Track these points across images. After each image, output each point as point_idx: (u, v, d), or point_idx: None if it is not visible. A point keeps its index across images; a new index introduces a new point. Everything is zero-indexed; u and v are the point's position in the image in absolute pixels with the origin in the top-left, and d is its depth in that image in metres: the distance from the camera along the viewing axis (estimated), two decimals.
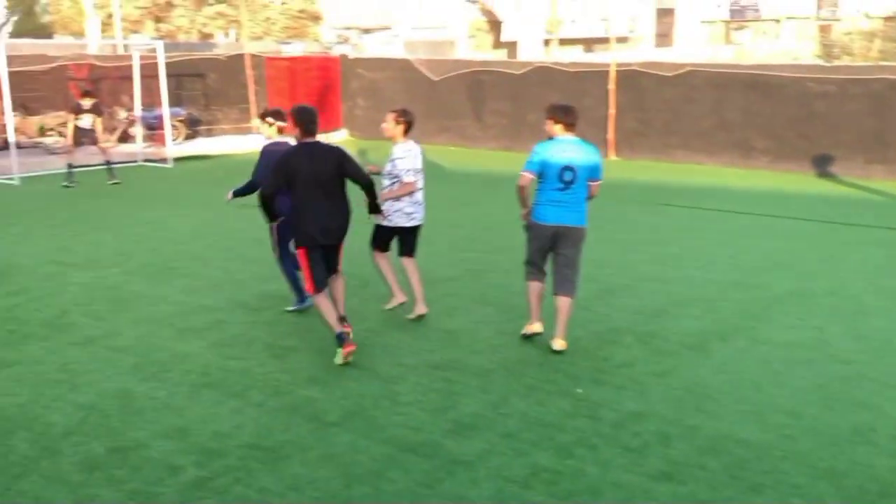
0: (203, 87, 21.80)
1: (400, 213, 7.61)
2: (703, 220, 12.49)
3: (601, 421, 5.69)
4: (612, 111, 18.77)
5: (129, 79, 18.29)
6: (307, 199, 6.67)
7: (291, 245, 7.28)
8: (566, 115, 7.01)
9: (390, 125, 7.76)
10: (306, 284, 6.91)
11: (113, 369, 6.57)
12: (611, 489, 4.81)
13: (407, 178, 7.51)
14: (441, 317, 7.87)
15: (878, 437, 5.48)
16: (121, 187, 15.04)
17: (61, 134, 18.28)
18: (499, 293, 8.63)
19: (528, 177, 6.89)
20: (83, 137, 15.36)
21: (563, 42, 44.77)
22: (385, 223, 7.61)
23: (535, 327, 7.15)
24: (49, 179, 15.73)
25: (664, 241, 11.03)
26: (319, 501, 4.68)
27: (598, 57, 21.69)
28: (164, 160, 17.91)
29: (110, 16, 33.96)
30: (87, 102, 15.22)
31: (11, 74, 15.77)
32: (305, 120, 6.94)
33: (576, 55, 22.74)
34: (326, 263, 6.87)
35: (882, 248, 10.68)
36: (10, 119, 16.05)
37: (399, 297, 7.90)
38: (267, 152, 8.12)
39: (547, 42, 44.04)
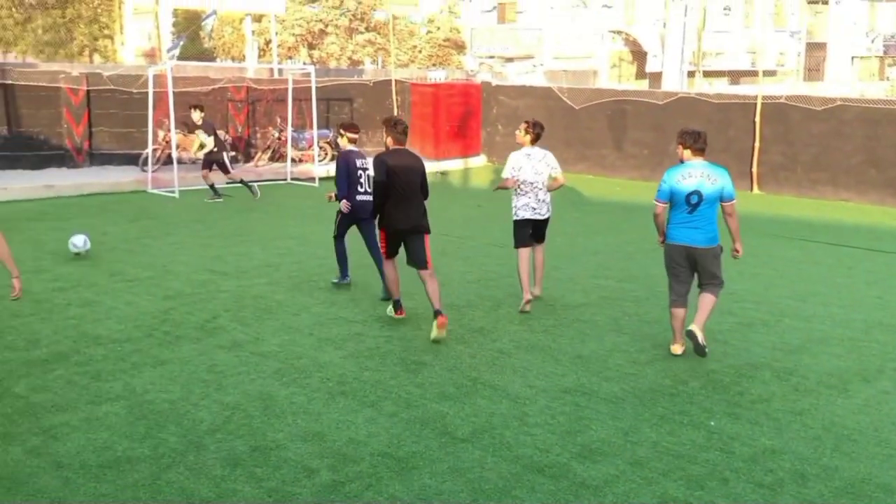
0: (350, 110, 22.49)
1: (526, 208, 8.80)
2: (850, 259, 11.96)
3: (734, 455, 5.54)
4: (756, 144, 18.25)
5: (283, 101, 19.08)
6: (394, 194, 7.82)
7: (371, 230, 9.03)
8: (695, 141, 7.28)
9: (521, 133, 8.77)
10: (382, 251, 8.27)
11: (257, 373, 6.85)
12: None
13: (505, 174, 8.82)
14: (573, 342, 7.84)
15: None
16: (269, 203, 15.65)
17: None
18: (632, 322, 8.52)
19: (661, 206, 7.37)
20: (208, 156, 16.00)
21: (708, 74, 43.86)
22: (513, 217, 8.88)
23: (677, 349, 7.45)
24: (205, 193, 16.54)
25: (806, 278, 10.64)
26: None
27: (743, 89, 21.14)
28: (311, 179, 18.55)
29: (268, 42, 35.52)
30: (196, 115, 15.86)
31: (176, 94, 16.74)
32: (399, 129, 8.00)
33: (721, 87, 22.28)
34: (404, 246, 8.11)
35: None
36: (174, 136, 16.98)
37: (527, 295, 8.69)
38: (338, 159, 9.43)
39: (691, 73, 43.28)
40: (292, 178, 18.78)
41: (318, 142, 19.69)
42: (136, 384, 6.54)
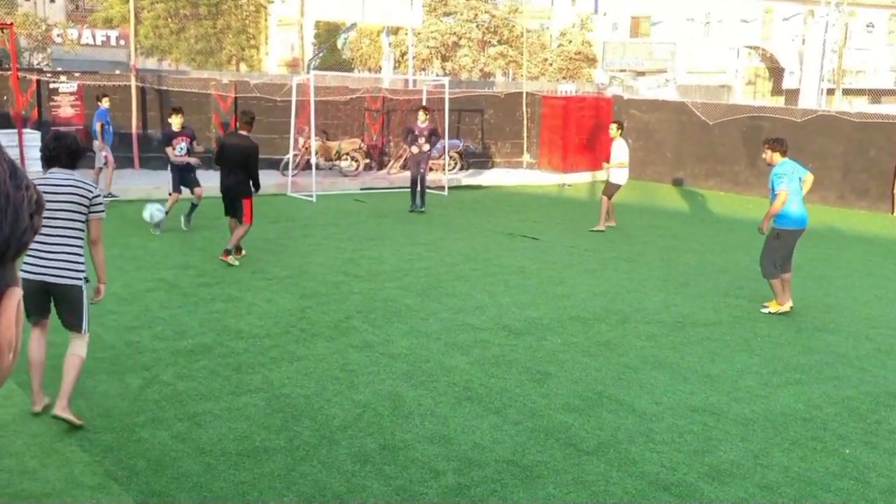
0: (481, 121, 22.60)
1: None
2: None
3: (870, 486, 5.27)
4: None
5: (417, 111, 19.36)
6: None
7: None
8: (782, 145, 9.20)
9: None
10: None
11: (387, 373, 6.96)
12: None
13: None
14: (702, 360, 7.63)
15: None
16: (401, 208, 15.88)
17: (354, 159, 19.64)
18: (764, 343, 8.23)
19: (787, 190, 8.95)
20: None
21: (848, 92, 42.01)
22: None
23: (787, 305, 9.23)
24: (340, 198, 16.95)
25: None
26: None
27: (886, 108, 20.11)
28: (441, 188, 18.74)
29: (403, 54, 36.12)
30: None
31: (317, 103, 17.22)
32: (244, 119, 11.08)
33: (861, 106, 21.26)
34: None
35: None
36: (314, 143, 17.48)
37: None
38: None
39: (830, 91, 41.56)
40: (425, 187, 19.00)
41: (449, 151, 19.88)
42: (273, 378, 6.75)
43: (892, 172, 17.50)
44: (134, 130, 18.60)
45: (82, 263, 5.60)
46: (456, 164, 20.93)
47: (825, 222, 16.11)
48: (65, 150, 5.60)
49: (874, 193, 17.93)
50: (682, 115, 21.21)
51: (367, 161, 20.24)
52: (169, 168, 13.02)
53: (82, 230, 5.62)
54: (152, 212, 12.21)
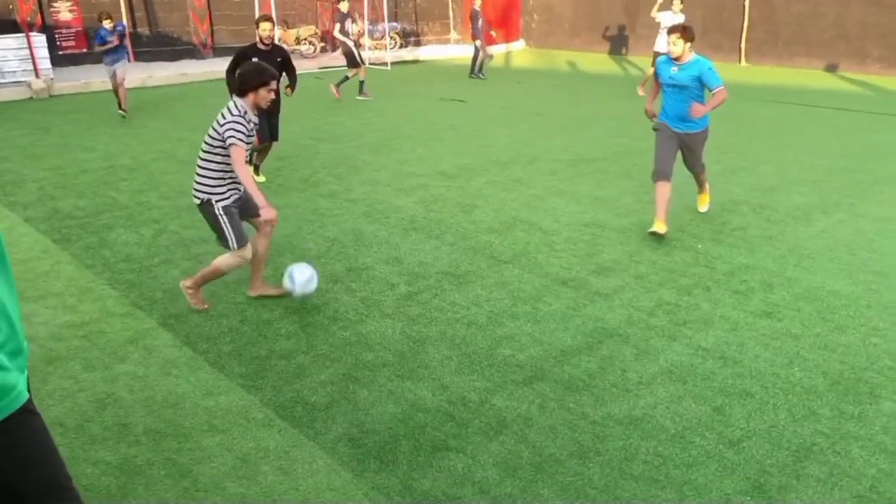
0: (414, 5, 21.64)
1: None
2: (820, 117, 11.44)
3: (716, 270, 5.55)
4: (745, 23, 17.19)
5: (360, 0, 18.43)
6: None
7: None
8: (693, 35, 6.15)
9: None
10: None
11: (349, 214, 6.96)
12: (719, 321, 4.74)
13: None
14: (592, 187, 7.76)
15: None
16: (353, 82, 15.37)
17: (311, 44, 18.79)
18: (640, 171, 8.37)
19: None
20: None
21: None
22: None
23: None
24: (302, 77, 16.30)
25: (782, 133, 10.24)
26: (493, 313, 4.88)
27: None
28: (384, 64, 18.14)
29: None
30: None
31: None
32: None
33: None
34: None
35: None
36: (277, 31, 16.63)
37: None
38: None
39: None
40: (369, 63, 18.37)
41: (389, 32, 19.11)
42: None
43: (739, 30, 17.35)
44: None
45: (208, 183, 4.60)
46: (396, 43, 20.18)
47: None
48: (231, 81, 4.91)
49: (727, 48, 17.83)
50: None
51: (323, 45, 19.41)
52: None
53: (211, 153, 4.56)
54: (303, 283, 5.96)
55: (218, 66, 16.99)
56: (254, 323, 4.77)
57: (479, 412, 3.74)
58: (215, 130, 4.55)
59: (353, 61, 13.43)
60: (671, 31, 6.03)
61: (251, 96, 4.59)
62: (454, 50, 21.05)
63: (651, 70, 12.52)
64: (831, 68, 16.21)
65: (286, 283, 4.87)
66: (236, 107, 4.59)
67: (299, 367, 4.22)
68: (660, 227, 6.06)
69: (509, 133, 10.49)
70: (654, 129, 6.28)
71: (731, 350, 4.35)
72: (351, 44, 13.37)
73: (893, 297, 5.04)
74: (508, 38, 21.72)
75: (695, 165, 6.46)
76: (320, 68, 17.68)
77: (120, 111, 11.72)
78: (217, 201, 4.64)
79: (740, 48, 17.41)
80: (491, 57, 20.32)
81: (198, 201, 4.68)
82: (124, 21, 17.25)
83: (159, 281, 5.44)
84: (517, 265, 5.70)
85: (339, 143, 9.94)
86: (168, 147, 9.69)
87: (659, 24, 12.72)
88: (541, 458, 3.40)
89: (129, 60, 11.39)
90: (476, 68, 16.14)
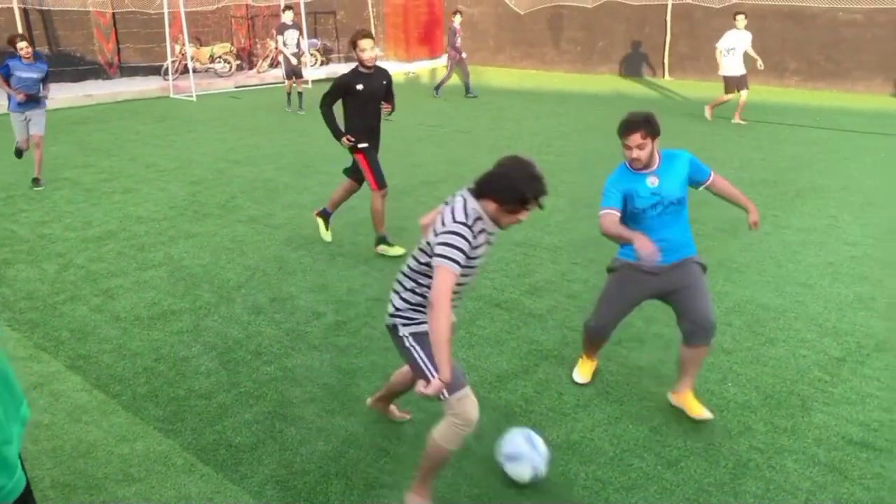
0: (334, 21, 21.64)
1: None
2: (742, 129, 11.97)
3: None
4: (667, 39, 17.90)
5: (277, 16, 18.30)
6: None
7: None
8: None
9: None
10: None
11: (271, 241, 6.86)
12: (653, 338, 4.87)
13: None
14: None
15: (877, 304, 5.35)
16: (272, 101, 15.24)
17: (227, 62, 18.53)
18: (568, 187, 8.56)
19: None
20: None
21: None
22: None
23: None
24: (218, 97, 16.07)
25: (709, 146, 10.66)
26: None
27: None
28: (305, 81, 18.02)
29: None
30: (287, 16, 13.44)
31: (187, 13, 15.99)
32: None
33: None
34: None
35: (892, 152, 10.10)
36: (189, 49, 16.34)
37: None
38: None
39: None
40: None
41: (309, 49, 19.03)
42: (173, 253, 6.54)
43: (662, 45, 18.04)
44: None
45: (402, 306, 3.19)
46: (317, 60, 20.11)
47: (615, 89, 16.59)
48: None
49: (651, 63, 18.50)
50: (499, 7, 20.95)
51: (239, 62, 19.17)
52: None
53: (415, 269, 3.15)
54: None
55: (125, 87, 16.58)
56: (170, 361, 4.62)
57: (415, 445, 3.72)
58: (429, 242, 3.06)
59: (291, 73, 13.86)
60: (629, 129, 3.93)
61: (495, 206, 3.00)
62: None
63: (726, 96, 12.03)
64: (752, 83, 16.98)
65: (520, 446, 3.38)
66: (464, 210, 3.00)
67: (221, 406, 4.11)
68: (585, 372, 4.34)
69: (439, 152, 10.57)
70: (610, 271, 4.11)
71: (666, 368, 4.47)
72: (289, 55, 13.71)
73: (819, 307, 5.29)
74: (433, 55, 21.97)
75: (707, 315, 3.84)
76: (237, 87, 17.46)
77: (36, 184, 8.63)
78: (406, 328, 3.20)
79: (664, 63, 18.09)
80: (412, 73, 20.48)
81: (387, 323, 3.26)
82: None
83: (65, 319, 5.22)
84: None
85: (257, 165, 9.80)
86: (72, 174, 9.35)
87: (726, 50, 11.79)
88: (479, 490, 3.40)
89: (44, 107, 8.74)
90: (466, 88, 15.98)
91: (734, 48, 11.80)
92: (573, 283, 5.78)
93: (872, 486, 3.37)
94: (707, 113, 12.69)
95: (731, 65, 11.85)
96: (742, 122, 12.25)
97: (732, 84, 12.00)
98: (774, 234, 6.83)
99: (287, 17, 14.10)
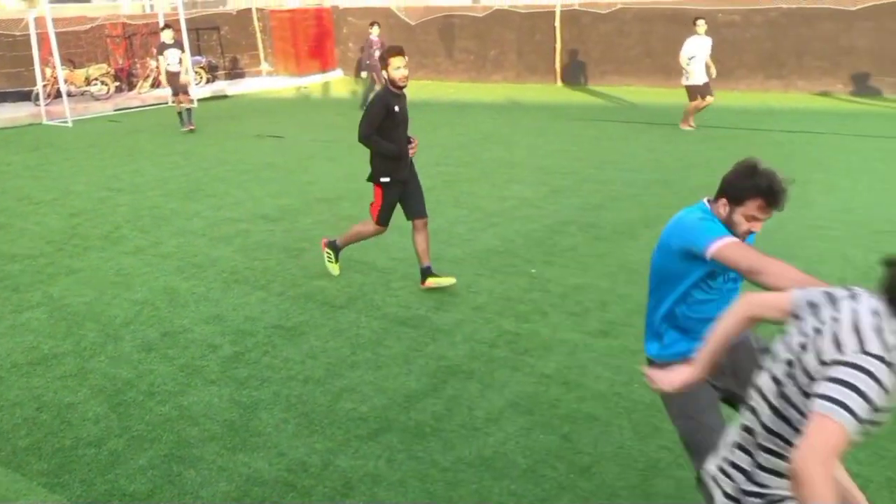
0: (218, 37, 21.16)
1: None
2: (634, 132, 12.43)
3: (551, 293, 5.81)
4: (558, 45, 18.43)
5: (157, 34, 17.73)
6: None
7: None
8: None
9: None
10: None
11: (160, 272, 6.59)
12: (559, 345, 4.96)
13: None
14: None
15: None
16: (154, 123, 14.73)
17: (104, 83, 17.80)
18: (468, 199, 8.64)
19: None
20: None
21: None
22: None
23: None
24: (96, 121, 15.40)
25: (603, 150, 11.00)
26: (331, 365, 4.80)
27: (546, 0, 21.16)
28: (191, 100, 17.51)
29: None
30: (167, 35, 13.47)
31: (58, 34, 15.27)
32: None
33: None
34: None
35: (784, 146, 10.71)
36: (61, 72, 15.60)
37: None
38: None
39: None
40: (170, 102, 17.68)
41: (193, 67, 18.51)
42: (53, 292, 6.19)
43: (552, 51, 18.55)
44: None
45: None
46: (202, 78, 19.59)
47: (509, 97, 16.93)
48: None
49: (542, 70, 18.97)
50: (390, 18, 21.03)
51: (118, 84, 18.43)
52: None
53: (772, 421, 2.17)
54: None
55: None
56: (54, 409, 4.36)
57: (323, 477, 3.64)
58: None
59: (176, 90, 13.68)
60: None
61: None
62: (267, 83, 20.78)
63: (696, 103, 11.58)
64: (641, 85, 17.69)
65: None
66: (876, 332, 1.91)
67: (112, 453, 3.90)
68: None
69: (334, 168, 10.47)
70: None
71: (573, 374, 4.56)
72: (171, 73, 13.55)
73: None
74: (325, 68, 21.80)
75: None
76: (117, 110, 16.78)
77: None
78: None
79: (555, 69, 18.60)
80: (304, 88, 20.27)
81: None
82: None
83: None
84: (353, 309, 5.65)
85: (141, 192, 9.43)
86: None
87: (688, 58, 11.63)
88: None
89: None
90: (364, 101, 15.91)
91: (696, 55, 11.61)
92: (478, 295, 5.82)
93: None
94: (686, 125, 12.17)
95: (698, 73, 11.66)
96: (690, 128, 12.06)
97: (696, 92, 11.79)
98: None
99: (166, 35, 13.72)
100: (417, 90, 18.10)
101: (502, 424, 4.04)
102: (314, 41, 21.55)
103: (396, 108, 5.71)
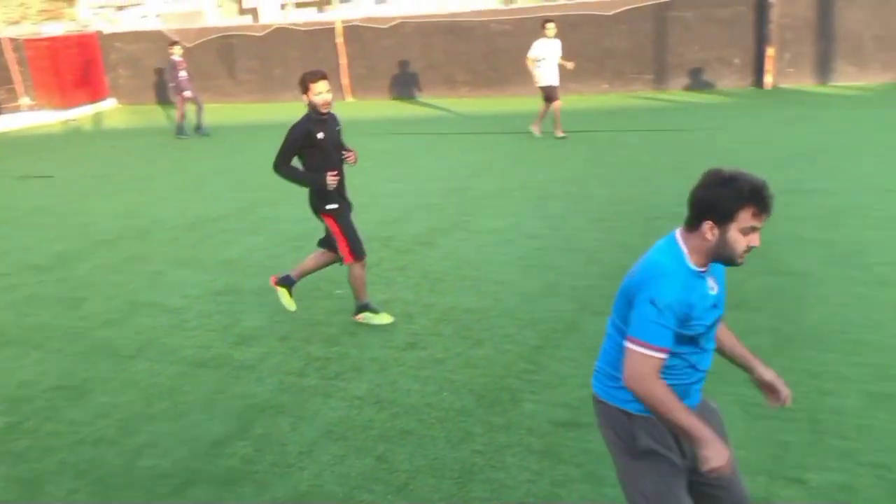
0: None
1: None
2: (424, 143, 12.76)
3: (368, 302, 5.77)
4: (343, 61, 18.51)
5: None
6: None
7: None
8: None
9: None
10: None
11: None
12: (369, 364, 4.95)
13: None
14: (219, 250, 7.59)
15: (562, 289, 5.97)
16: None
17: None
18: (267, 223, 8.43)
19: None
20: None
21: (299, 5, 43.18)
22: None
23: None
24: None
25: (396, 163, 11.17)
26: (125, 421, 4.45)
27: (327, 15, 21.10)
28: None
29: None
30: None
31: None
32: None
33: (310, 15, 21.89)
34: None
35: (558, 147, 11.44)
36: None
37: None
38: None
39: (283, 6, 42.29)
40: None
41: None
42: None
43: (338, 68, 18.61)
44: None
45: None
46: None
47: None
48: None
49: (332, 86, 18.93)
50: (162, 42, 20.05)
51: None
52: None
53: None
54: None
55: None
56: None
57: None
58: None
59: None
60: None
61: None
62: (29, 118, 19.06)
63: (544, 107, 11.68)
64: (423, 96, 18.21)
65: None
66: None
67: None
68: None
69: (113, 205, 9.78)
70: (638, 454, 2.55)
71: (385, 391, 4.56)
72: None
73: (515, 301, 5.79)
74: (95, 98, 20.37)
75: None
76: None
77: None
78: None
79: (342, 85, 18.67)
80: (74, 120, 18.83)
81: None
82: None
83: None
84: (145, 357, 5.29)
85: None
86: None
87: (538, 59, 11.62)
88: None
89: None
90: (195, 127, 14.78)
91: (545, 58, 11.61)
92: (283, 324, 5.67)
93: (583, 462, 3.73)
94: (534, 130, 12.12)
95: (548, 74, 11.66)
96: (564, 136, 11.85)
97: (550, 93, 11.78)
98: (469, 240, 7.34)
99: None
100: (205, 112, 17.45)
101: (316, 456, 3.95)
102: (79, 70, 20.09)
103: (320, 135, 5.39)
